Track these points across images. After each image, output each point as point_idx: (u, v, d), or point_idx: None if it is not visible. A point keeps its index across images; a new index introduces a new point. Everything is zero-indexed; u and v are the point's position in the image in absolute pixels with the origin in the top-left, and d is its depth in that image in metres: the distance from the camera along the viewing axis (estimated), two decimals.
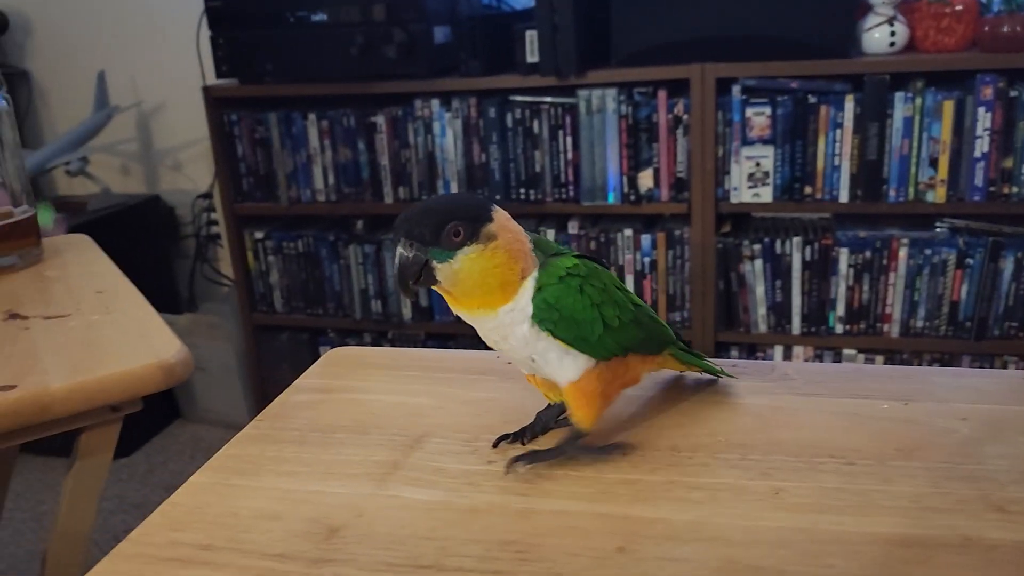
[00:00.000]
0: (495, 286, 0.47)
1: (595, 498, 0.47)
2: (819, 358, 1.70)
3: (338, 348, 0.72)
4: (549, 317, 0.47)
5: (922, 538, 0.42)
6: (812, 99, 1.57)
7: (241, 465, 0.53)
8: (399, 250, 0.46)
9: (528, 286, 0.47)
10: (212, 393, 2.16)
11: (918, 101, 1.53)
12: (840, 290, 1.64)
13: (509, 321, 0.48)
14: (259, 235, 1.95)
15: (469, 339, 1.79)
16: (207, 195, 2.11)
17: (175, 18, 2.14)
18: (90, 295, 0.86)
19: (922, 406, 0.55)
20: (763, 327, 1.70)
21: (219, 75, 1.83)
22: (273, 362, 2.03)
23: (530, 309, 0.47)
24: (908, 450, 0.50)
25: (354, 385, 0.64)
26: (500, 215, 0.47)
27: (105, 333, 0.76)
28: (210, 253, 2.29)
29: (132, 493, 1.93)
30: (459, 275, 0.46)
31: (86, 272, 0.95)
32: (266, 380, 2.03)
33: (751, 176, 1.62)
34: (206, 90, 1.86)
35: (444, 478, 0.50)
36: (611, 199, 1.71)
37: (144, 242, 2.24)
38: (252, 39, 1.78)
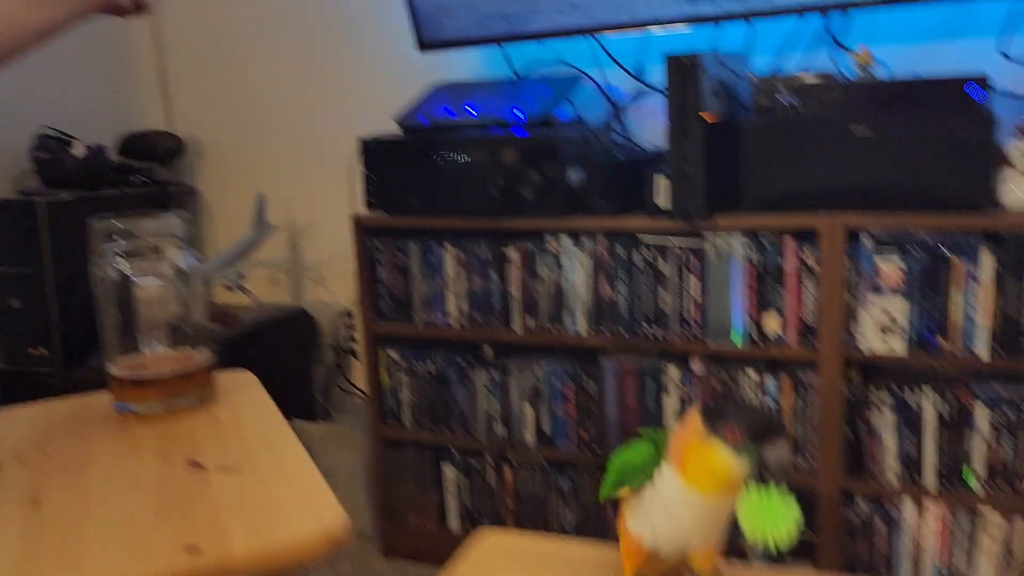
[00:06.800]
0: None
1: None
2: (954, 516, 1.63)
3: (488, 533, 0.77)
4: None
5: None
6: (945, 251, 1.56)
7: None
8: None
9: None
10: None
11: None
12: (979, 448, 1.58)
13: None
14: (393, 354, 2.06)
15: (590, 468, 1.81)
16: (349, 313, 2.26)
17: (331, 153, 2.35)
18: (261, 447, 0.95)
19: None
20: (893, 479, 1.65)
21: (368, 207, 1.99)
22: (397, 474, 2.11)
23: None
24: None
25: None
26: None
27: (276, 493, 0.84)
28: (346, 365, 2.43)
29: None
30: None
31: (255, 419, 1.05)
32: (390, 491, 2.11)
33: (882, 328, 1.61)
34: (356, 219, 2.02)
35: None
36: (737, 341, 1.73)
37: (287, 349, 2.40)
38: (401, 177, 1.93)
